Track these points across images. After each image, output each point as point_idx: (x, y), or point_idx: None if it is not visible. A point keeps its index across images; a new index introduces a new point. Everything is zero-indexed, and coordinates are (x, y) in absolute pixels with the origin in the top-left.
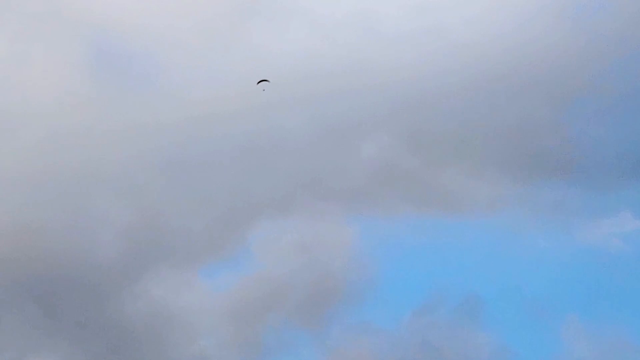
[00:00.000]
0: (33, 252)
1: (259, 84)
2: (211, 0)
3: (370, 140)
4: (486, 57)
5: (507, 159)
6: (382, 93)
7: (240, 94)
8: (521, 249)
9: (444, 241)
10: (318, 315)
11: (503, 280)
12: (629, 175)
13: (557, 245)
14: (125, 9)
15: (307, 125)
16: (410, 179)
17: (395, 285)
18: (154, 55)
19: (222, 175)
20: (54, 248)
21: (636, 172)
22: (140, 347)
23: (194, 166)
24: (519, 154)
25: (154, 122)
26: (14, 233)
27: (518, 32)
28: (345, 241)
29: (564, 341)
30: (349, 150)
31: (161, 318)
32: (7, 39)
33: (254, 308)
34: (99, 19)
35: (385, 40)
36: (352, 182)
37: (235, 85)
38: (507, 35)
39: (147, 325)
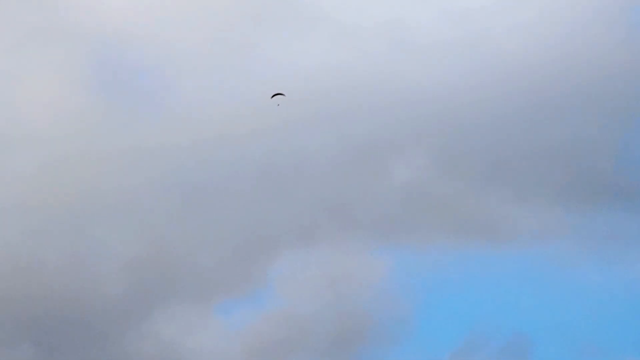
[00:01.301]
0: (29, 288)
1: (273, 98)
2: (224, 9)
3: (402, 162)
4: (532, 68)
5: (556, 182)
6: (415, 109)
7: (257, 112)
8: (572, 283)
9: (485, 275)
10: (345, 358)
11: (553, 319)
12: None
13: (613, 279)
14: (130, 19)
15: (331, 146)
16: (447, 205)
17: (431, 325)
18: (161, 69)
19: (238, 202)
20: (52, 284)
21: None
22: None
23: (206, 192)
24: (570, 178)
25: (162, 144)
26: (8, 268)
27: (568, 40)
28: (375, 275)
29: None
30: (379, 174)
31: None
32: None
33: (274, 349)
34: (101, 30)
35: (418, 51)
36: (382, 209)
37: (251, 103)
38: (555, 44)
39: None
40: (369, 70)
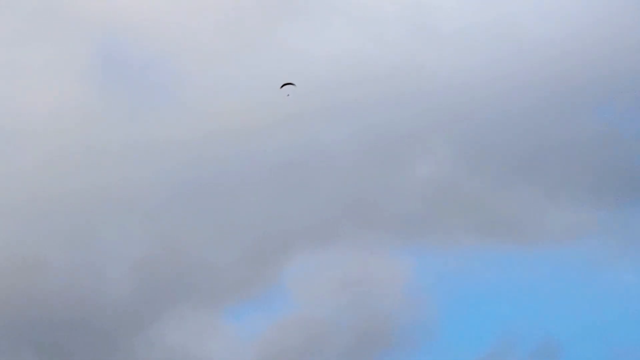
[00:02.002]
0: (32, 291)
1: (283, 88)
2: None
3: (425, 156)
4: (563, 55)
5: (588, 178)
6: (439, 100)
7: (271, 104)
8: (605, 284)
9: (513, 276)
10: None
11: (584, 322)
12: None
13: None
14: (136, 8)
15: (350, 139)
16: (473, 202)
17: (457, 329)
18: (170, 61)
19: (251, 199)
20: (56, 287)
21: None
22: None
23: (217, 189)
24: (604, 172)
25: (171, 139)
26: (10, 270)
27: (601, 25)
28: (396, 277)
29: None
30: (400, 168)
31: None
32: (0, 43)
33: (288, 357)
34: (107, 19)
35: (443, 38)
36: (404, 207)
37: (264, 94)
38: (587, 29)
39: None
40: (388, 59)
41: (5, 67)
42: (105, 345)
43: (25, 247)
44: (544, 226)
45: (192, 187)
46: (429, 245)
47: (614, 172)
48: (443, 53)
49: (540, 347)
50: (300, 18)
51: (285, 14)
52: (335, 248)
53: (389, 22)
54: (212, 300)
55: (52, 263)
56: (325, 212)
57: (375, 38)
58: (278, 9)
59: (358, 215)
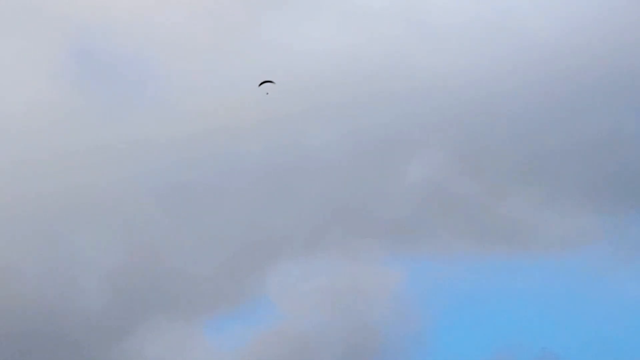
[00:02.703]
0: (3, 302)
1: (261, 86)
2: None
3: (417, 159)
4: (563, 53)
5: (588, 183)
6: (433, 101)
7: (255, 104)
8: (607, 295)
9: (510, 286)
10: None
11: (585, 335)
12: None
13: None
14: (114, 3)
15: (338, 141)
16: (468, 208)
17: (450, 342)
18: (149, 58)
19: (233, 205)
20: (28, 297)
21: None
22: None
23: (197, 194)
24: (604, 177)
25: (149, 141)
26: None
27: (603, 22)
28: (386, 286)
29: None
30: (391, 173)
31: None
32: None
33: None
34: (83, 14)
35: (436, 35)
36: (394, 213)
37: (248, 93)
38: (589, 26)
39: None
40: (378, 56)
41: None
42: (79, 358)
43: None
44: (542, 233)
45: (170, 192)
46: (420, 253)
47: (616, 176)
48: (436, 50)
49: None
50: (286, 12)
51: (270, 8)
52: (321, 256)
53: (378, 18)
54: (192, 311)
55: (23, 271)
56: (311, 219)
57: (364, 34)
58: (262, 3)
59: (346, 221)
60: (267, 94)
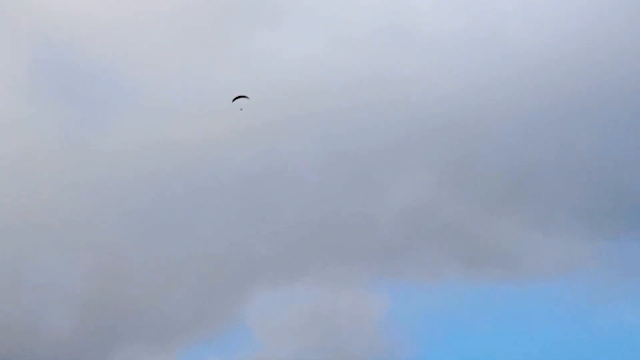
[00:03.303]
0: None
1: (235, 101)
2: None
3: (403, 179)
4: (554, 66)
5: (583, 205)
6: (419, 115)
7: (231, 117)
8: (602, 322)
9: (501, 314)
10: None
11: None
12: None
13: None
14: (80, 8)
15: (318, 158)
16: (456, 231)
17: None
18: (118, 68)
19: (208, 226)
20: None
21: None
22: None
23: (169, 215)
24: (599, 199)
25: (118, 155)
26: None
27: (595, 31)
28: (370, 314)
29: None
30: (375, 192)
31: None
32: None
33: None
34: (46, 22)
35: (422, 44)
36: (379, 236)
37: (222, 106)
38: (581, 36)
39: None
40: (362, 68)
41: None
42: None
43: None
44: (534, 258)
45: (140, 211)
46: (406, 278)
47: (612, 197)
48: (423, 61)
49: None
50: (267, 22)
51: (251, 18)
52: (302, 282)
53: (362, 27)
54: (166, 339)
55: None
56: (290, 242)
57: (347, 44)
58: (243, 13)
59: (327, 244)
60: (242, 109)
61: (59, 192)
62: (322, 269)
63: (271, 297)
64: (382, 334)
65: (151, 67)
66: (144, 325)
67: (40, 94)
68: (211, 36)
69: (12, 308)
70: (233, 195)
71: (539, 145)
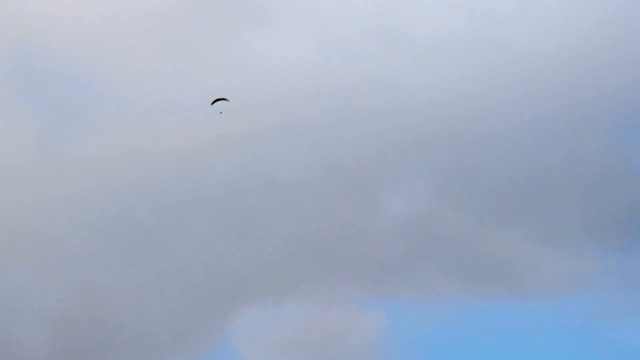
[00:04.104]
0: None
1: (214, 104)
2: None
3: (398, 189)
4: (561, 72)
5: (591, 216)
6: (415, 121)
7: (216, 125)
8: (613, 343)
9: (502, 333)
10: None
11: None
12: None
13: None
14: (56, 8)
15: (308, 167)
16: (453, 244)
17: None
18: (95, 72)
19: (191, 239)
20: None
21: None
22: None
23: (151, 226)
24: (608, 210)
25: (94, 164)
26: None
27: (607, 31)
28: (363, 334)
29: None
30: (368, 204)
31: None
32: None
33: None
34: (18, 25)
35: (418, 47)
36: (372, 250)
37: (209, 113)
38: (592, 37)
39: None
40: (355, 72)
41: None
42: None
43: None
44: (538, 274)
45: (118, 225)
46: (402, 296)
47: (622, 208)
48: (419, 64)
49: None
50: (254, 24)
51: (238, 20)
52: (291, 300)
53: (355, 29)
54: None
55: None
56: (278, 256)
57: (339, 46)
58: (229, 14)
59: (317, 259)
60: (221, 113)
61: (31, 203)
62: (313, 286)
63: (259, 315)
64: (376, 356)
65: (131, 71)
66: (123, 344)
67: (9, 99)
68: (195, 39)
69: None
70: (217, 207)
71: (543, 152)
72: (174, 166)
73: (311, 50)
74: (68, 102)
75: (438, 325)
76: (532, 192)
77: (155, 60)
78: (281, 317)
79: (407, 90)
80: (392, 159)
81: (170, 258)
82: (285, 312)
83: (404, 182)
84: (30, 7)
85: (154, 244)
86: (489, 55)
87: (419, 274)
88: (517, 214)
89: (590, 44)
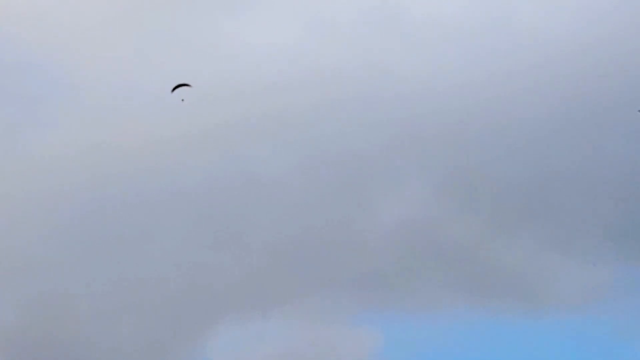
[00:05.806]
0: None
1: (175, 91)
2: None
3: (395, 191)
4: (574, 61)
5: (608, 223)
6: (414, 114)
7: (191, 116)
8: (630, 357)
9: (512, 349)
10: None
11: None
12: None
13: None
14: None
15: (295, 165)
16: (458, 252)
17: None
18: (55, 59)
19: (163, 246)
20: None
21: None
22: None
23: (117, 230)
24: (628, 216)
25: (54, 161)
26: None
27: (614, 22)
28: (357, 352)
29: None
30: (362, 206)
31: None
32: None
33: None
34: None
35: (416, 31)
36: (367, 258)
37: (184, 104)
38: (598, 26)
39: None
40: (345, 58)
41: None
42: None
43: None
44: (551, 286)
45: (81, 228)
46: (400, 310)
47: (638, 218)
48: (417, 50)
49: None
50: (233, 6)
51: (215, 4)
52: (277, 315)
53: (345, 10)
54: None
55: None
56: (261, 265)
57: (327, 29)
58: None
59: (306, 268)
60: (183, 100)
61: None
62: (301, 298)
63: (240, 331)
64: None
65: (95, 58)
66: None
67: None
68: (167, 22)
69: None
70: (193, 208)
71: (555, 151)
72: (145, 162)
73: (295, 34)
74: (25, 93)
75: (440, 342)
76: (545, 196)
77: (129, 49)
78: (265, 333)
79: (404, 78)
80: (388, 155)
81: (140, 266)
82: (270, 328)
83: (402, 181)
84: None
85: (122, 249)
86: (494, 39)
87: (419, 285)
88: (528, 219)
89: (611, 30)
